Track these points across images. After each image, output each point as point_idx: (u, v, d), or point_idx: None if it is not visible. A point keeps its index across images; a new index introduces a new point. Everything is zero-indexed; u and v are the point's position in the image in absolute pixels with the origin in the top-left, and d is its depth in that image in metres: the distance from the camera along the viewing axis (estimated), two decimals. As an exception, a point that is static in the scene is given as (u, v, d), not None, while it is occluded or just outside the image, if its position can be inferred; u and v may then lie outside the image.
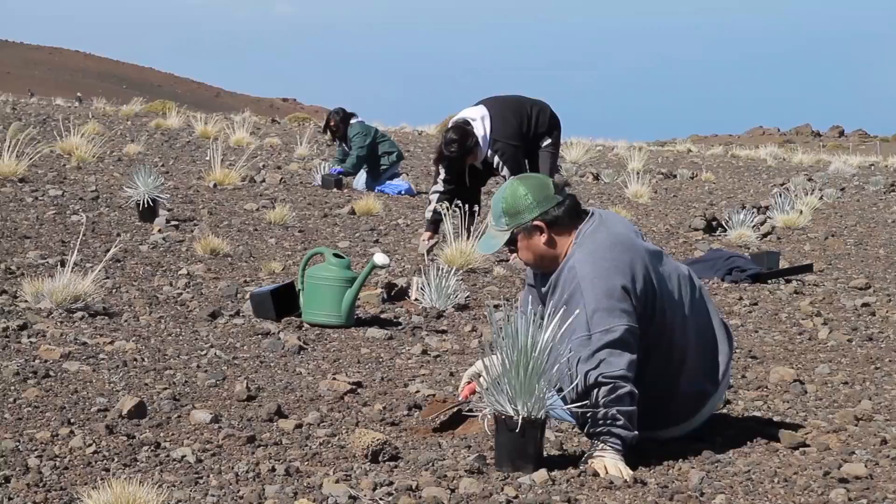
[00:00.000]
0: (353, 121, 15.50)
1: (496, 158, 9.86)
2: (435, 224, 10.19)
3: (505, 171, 9.83)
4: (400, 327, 7.44)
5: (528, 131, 9.96)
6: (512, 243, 4.95)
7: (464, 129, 9.86)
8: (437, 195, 10.10)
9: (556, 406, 4.70)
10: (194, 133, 22.21)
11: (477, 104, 10.01)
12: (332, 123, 15.68)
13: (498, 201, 4.94)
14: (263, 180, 14.90)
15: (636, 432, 4.60)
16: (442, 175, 10.12)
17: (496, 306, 7.96)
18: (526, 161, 9.98)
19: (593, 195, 16.75)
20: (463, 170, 10.10)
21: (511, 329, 4.39)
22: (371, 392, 5.86)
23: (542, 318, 4.41)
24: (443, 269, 8.18)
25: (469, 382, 5.21)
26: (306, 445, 4.88)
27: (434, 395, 5.73)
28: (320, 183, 14.91)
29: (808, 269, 10.35)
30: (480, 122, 9.87)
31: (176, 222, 10.65)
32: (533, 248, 4.91)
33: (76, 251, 7.86)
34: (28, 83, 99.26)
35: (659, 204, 15.93)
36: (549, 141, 10.06)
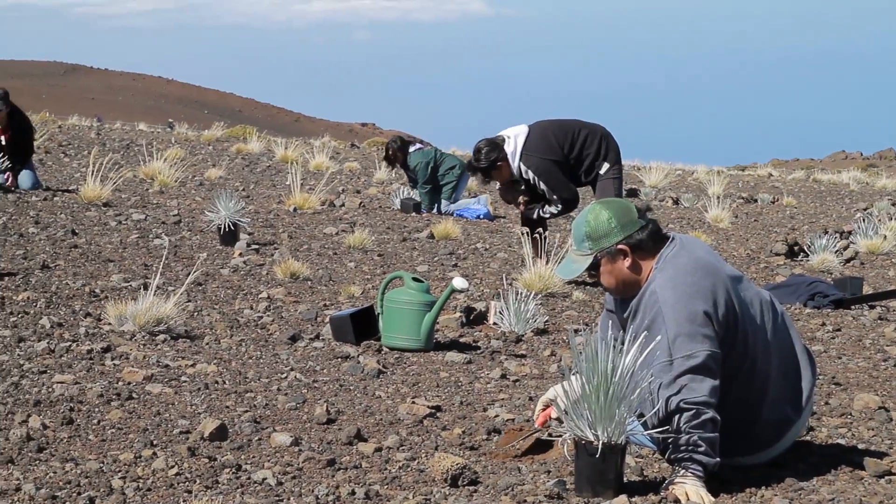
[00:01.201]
0: (411, 149, 15.50)
1: (530, 173, 9.87)
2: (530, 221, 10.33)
3: (543, 187, 9.85)
4: (479, 351, 7.43)
5: (570, 152, 9.93)
6: (594, 268, 4.91)
7: (493, 142, 9.97)
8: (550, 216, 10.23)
9: (636, 431, 4.66)
10: (274, 157, 22.38)
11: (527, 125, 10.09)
12: (390, 153, 15.70)
13: (580, 225, 4.90)
14: (343, 204, 14.98)
15: (718, 459, 4.55)
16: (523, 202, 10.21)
17: (576, 331, 7.93)
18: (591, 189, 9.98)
19: (673, 220, 16.65)
20: (507, 186, 10.13)
21: (591, 353, 4.37)
22: (450, 416, 5.85)
23: (623, 344, 4.39)
24: (521, 293, 8.17)
25: (544, 409, 5.18)
26: (386, 469, 4.88)
27: (512, 422, 5.72)
28: (399, 207, 14.96)
29: (892, 294, 10.20)
30: (513, 139, 9.94)
31: (256, 246, 10.73)
32: (616, 273, 4.87)
33: (158, 275, 7.94)
34: (111, 108, 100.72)
35: (739, 229, 15.79)
36: (607, 166, 10.00)
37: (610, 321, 5.04)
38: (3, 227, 10.29)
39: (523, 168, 9.89)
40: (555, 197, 9.91)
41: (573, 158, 9.94)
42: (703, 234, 14.17)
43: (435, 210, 15.18)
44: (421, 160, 15.20)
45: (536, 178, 9.87)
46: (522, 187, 10.12)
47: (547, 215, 10.06)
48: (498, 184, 10.35)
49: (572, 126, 10.04)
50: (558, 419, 4.84)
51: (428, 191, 15.19)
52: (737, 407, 4.78)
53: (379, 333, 7.41)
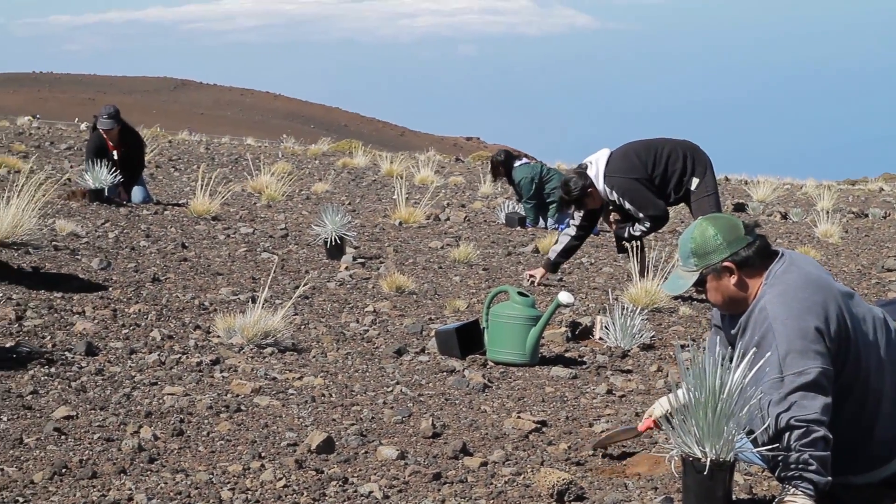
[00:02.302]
0: (516, 163, 15.49)
1: (614, 194, 9.82)
2: (555, 266, 10.34)
3: (629, 206, 9.79)
4: (584, 366, 7.40)
5: (654, 170, 9.83)
6: (700, 284, 4.87)
7: (578, 171, 9.99)
8: (568, 238, 10.15)
9: (745, 448, 4.60)
10: (380, 172, 22.52)
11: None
12: (497, 166, 15.69)
13: (686, 241, 4.87)
14: (448, 218, 15.02)
15: (829, 478, 4.47)
16: (577, 220, 10.15)
17: (683, 346, 7.87)
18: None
19: (781, 234, 16.44)
20: (591, 213, 10.10)
21: (699, 369, 4.32)
22: (556, 431, 5.84)
23: (731, 360, 4.34)
24: (627, 308, 8.12)
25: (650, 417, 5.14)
26: (491, 484, 4.88)
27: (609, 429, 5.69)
28: (504, 221, 14.96)
29: None
30: (595, 164, 9.90)
31: (362, 260, 10.80)
32: (722, 290, 4.82)
33: (266, 288, 8.03)
34: (220, 123, 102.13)
35: (850, 244, 15.54)
36: (696, 181, 9.85)
37: (718, 337, 5.00)
38: (116, 241, 10.47)
39: (608, 190, 9.85)
40: (641, 215, 9.83)
41: (658, 176, 9.86)
42: (812, 250, 13.98)
43: (540, 224, 15.15)
44: (526, 175, 15.18)
45: (621, 199, 9.82)
46: (611, 208, 10.09)
47: (637, 233, 9.97)
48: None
49: (655, 144, 9.97)
50: (662, 421, 4.78)
51: (532, 206, 15.16)
52: (849, 425, 4.70)
53: (484, 348, 7.41)
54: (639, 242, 9.97)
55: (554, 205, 15.16)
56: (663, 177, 9.87)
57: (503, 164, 15.54)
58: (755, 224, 4.99)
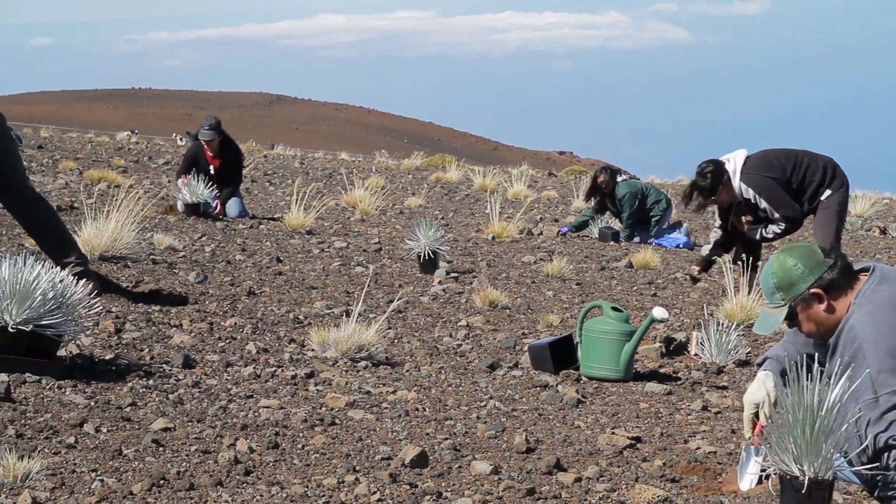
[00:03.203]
0: (619, 179, 15.42)
1: (751, 191, 9.60)
2: (708, 264, 10.48)
3: (764, 205, 9.57)
4: (679, 382, 7.35)
5: (793, 175, 9.64)
6: (791, 318, 4.80)
7: (716, 161, 9.76)
8: (716, 237, 10.12)
9: (844, 467, 4.54)
10: (473, 186, 22.56)
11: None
12: (599, 181, 15.59)
13: (767, 278, 4.80)
14: (541, 233, 15.00)
15: (930, 498, 4.40)
16: (717, 223, 10.11)
17: (779, 363, 7.76)
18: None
19: (880, 250, 16.19)
20: (724, 213, 9.99)
21: (796, 386, 4.27)
22: (651, 447, 5.79)
23: (829, 378, 4.28)
24: (723, 324, 8.04)
25: (753, 417, 5.01)
26: (585, 500, 4.86)
27: (714, 454, 5.62)
28: (597, 236, 14.91)
29: None
30: (733, 160, 9.72)
31: (455, 274, 10.82)
32: (814, 318, 4.74)
33: (360, 302, 8.07)
34: (315, 138, 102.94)
35: (951, 258, 15.25)
36: (828, 192, 9.63)
37: (797, 352, 4.93)
38: (212, 255, 10.60)
39: (744, 187, 9.63)
40: (777, 216, 9.63)
41: (796, 183, 9.63)
42: (912, 265, 13.74)
43: (635, 239, 15.06)
44: (629, 191, 15.12)
45: (757, 197, 9.60)
46: (744, 207, 9.90)
47: (770, 235, 9.76)
48: (716, 209, 10.22)
49: (796, 153, 9.76)
50: (768, 476, 4.68)
51: (632, 223, 15.10)
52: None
53: (578, 363, 7.39)
54: (752, 257, 9.83)
55: (654, 219, 15.11)
56: (800, 185, 9.65)
57: (612, 179, 15.42)
58: (832, 246, 4.92)
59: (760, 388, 4.92)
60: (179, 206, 13.23)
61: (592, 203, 15.70)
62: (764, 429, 4.80)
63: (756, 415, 4.92)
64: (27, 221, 7.94)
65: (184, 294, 8.59)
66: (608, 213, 15.67)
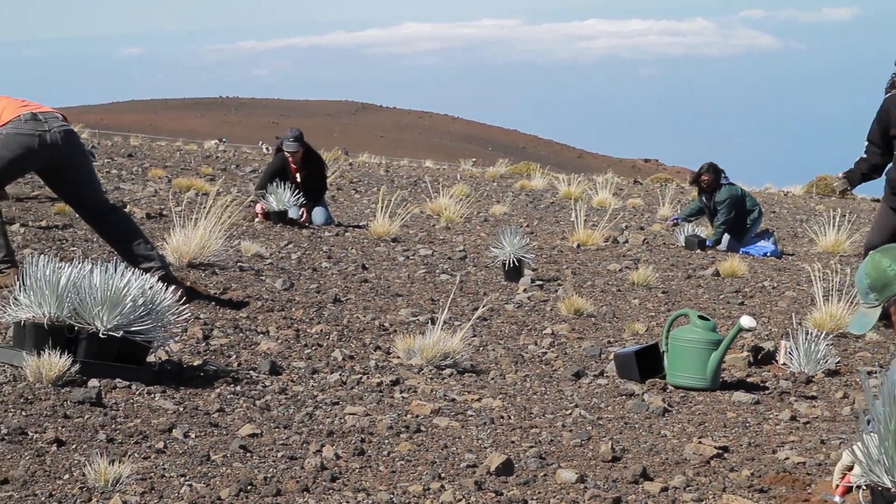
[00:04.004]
0: (722, 180, 15.26)
1: None
2: (857, 177, 9.85)
3: None
4: (767, 392, 7.27)
5: None
6: (885, 318, 4.75)
7: None
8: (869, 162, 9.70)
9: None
10: (558, 194, 22.50)
11: None
12: (703, 177, 15.43)
13: (861, 278, 4.76)
14: (626, 241, 14.92)
15: None
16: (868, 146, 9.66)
17: (870, 373, 7.67)
18: None
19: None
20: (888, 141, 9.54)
21: (888, 396, 4.20)
22: (738, 457, 5.74)
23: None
24: (812, 332, 7.95)
25: (842, 477, 4.97)
26: (672, 510, 4.82)
27: (803, 465, 5.56)
28: (683, 244, 14.79)
29: None
30: None
31: (540, 282, 10.79)
32: (907, 320, 4.69)
33: (446, 310, 8.08)
34: (399, 146, 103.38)
35: None
36: None
37: None
38: (298, 262, 10.67)
39: None
40: None
41: None
42: None
43: (721, 246, 14.92)
44: (730, 197, 14.94)
45: None
46: None
47: None
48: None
49: None
50: (859, 487, 4.62)
51: (723, 230, 14.96)
52: None
53: (664, 371, 7.34)
54: None
55: (752, 226, 14.95)
56: None
57: (716, 178, 15.26)
58: None
59: (849, 453, 4.87)
60: (258, 208, 13.38)
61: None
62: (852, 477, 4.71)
63: (850, 468, 4.86)
64: (104, 232, 8.13)
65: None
66: (700, 214, 15.59)
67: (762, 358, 8.03)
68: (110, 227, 8.07)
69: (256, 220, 13.35)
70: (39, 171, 8.11)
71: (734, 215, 14.91)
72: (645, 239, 15.17)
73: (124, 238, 8.04)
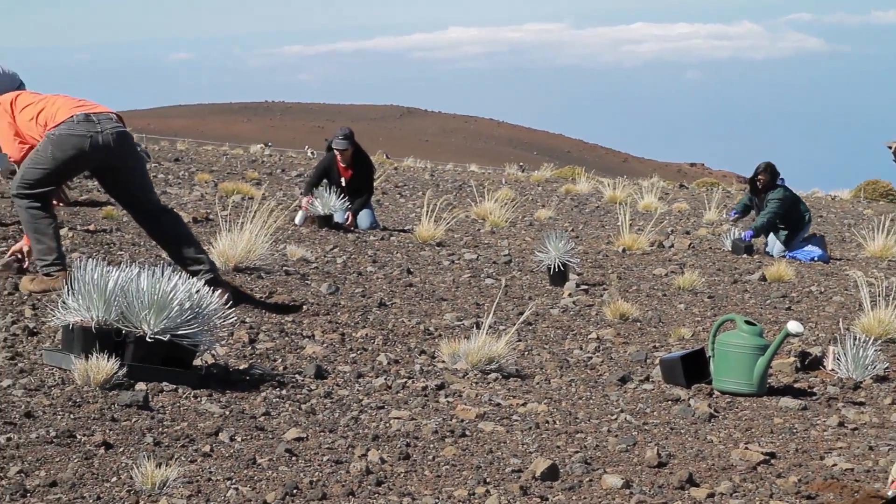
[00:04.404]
0: (778, 181, 15.16)
1: None
2: None
3: None
4: (814, 397, 7.22)
5: None
6: None
7: None
8: None
9: None
10: (603, 198, 22.43)
11: None
12: (760, 178, 15.32)
13: None
14: (672, 245, 14.85)
15: None
16: None
17: (918, 379, 7.60)
18: None
19: None
20: None
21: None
22: (785, 463, 5.70)
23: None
24: (860, 338, 7.88)
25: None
26: (719, 516, 4.79)
27: (851, 472, 5.51)
28: (730, 248, 14.71)
29: None
30: None
31: (585, 286, 10.77)
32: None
33: (491, 314, 8.08)
34: (444, 150, 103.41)
35: None
36: None
37: None
38: (344, 266, 10.69)
39: None
40: None
41: None
42: None
43: (774, 251, 14.80)
44: (782, 196, 14.85)
45: None
46: None
47: None
48: None
49: None
50: None
51: (765, 225, 14.84)
52: None
53: (710, 377, 7.31)
54: None
55: (792, 232, 14.85)
56: None
57: (772, 178, 15.17)
58: None
59: None
60: (298, 218, 13.35)
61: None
62: None
63: None
64: (155, 233, 8.20)
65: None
66: (748, 211, 15.54)
67: (809, 363, 7.98)
68: (161, 228, 8.13)
69: (301, 211, 13.34)
70: (93, 171, 8.20)
71: (784, 215, 14.80)
72: (691, 243, 15.10)
73: (174, 240, 8.10)
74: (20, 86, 12.42)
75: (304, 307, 8.56)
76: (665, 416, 6.58)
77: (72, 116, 7.82)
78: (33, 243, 7.92)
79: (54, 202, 8.23)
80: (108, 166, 7.95)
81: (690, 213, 21.25)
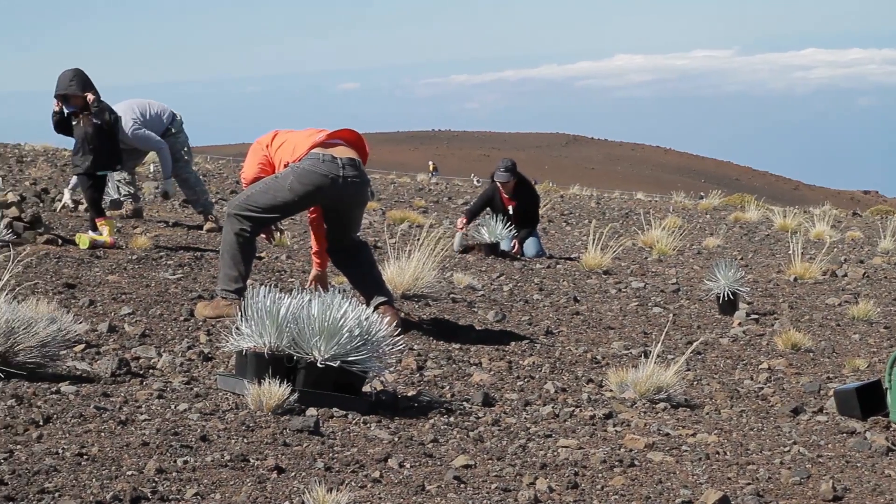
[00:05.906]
0: None
1: None
2: None
3: None
4: None
5: None
6: None
7: None
8: None
9: None
10: (773, 226, 22.07)
11: None
12: None
13: None
14: (845, 274, 14.52)
15: None
16: None
17: None
18: None
19: None
20: None
21: None
22: (967, 500, 5.51)
23: None
24: None
25: None
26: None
27: None
28: (906, 277, 14.33)
29: None
30: None
31: (756, 316, 10.59)
32: None
33: (659, 343, 8.00)
34: (611, 178, 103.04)
35: None
36: None
37: None
38: (510, 294, 10.71)
39: None
40: None
41: None
42: None
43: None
44: None
45: None
46: None
47: None
48: None
49: None
50: None
51: None
52: None
53: (887, 409, 7.11)
54: None
55: None
56: None
57: None
58: None
59: None
60: (456, 244, 13.36)
61: None
62: None
63: None
64: (345, 265, 8.30)
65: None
66: None
67: None
68: (353, 262, 8.26)
69: (458, 234, 13.40)
70: (322, 206, 8.29)
71: None
72: (865, 272, 14.74)
73: (358, 270, 8.22)
74: (173, 121, 12.84)
75: (472, 335, 8.58)
76: (840, 448, 6.42)
77: (318, 154, 7.96)
78: (224, 266, 8.06)
79: (263, 234, 8.38)
80: (337, 208, 8.11)
81: (864, 241, 20.74)
